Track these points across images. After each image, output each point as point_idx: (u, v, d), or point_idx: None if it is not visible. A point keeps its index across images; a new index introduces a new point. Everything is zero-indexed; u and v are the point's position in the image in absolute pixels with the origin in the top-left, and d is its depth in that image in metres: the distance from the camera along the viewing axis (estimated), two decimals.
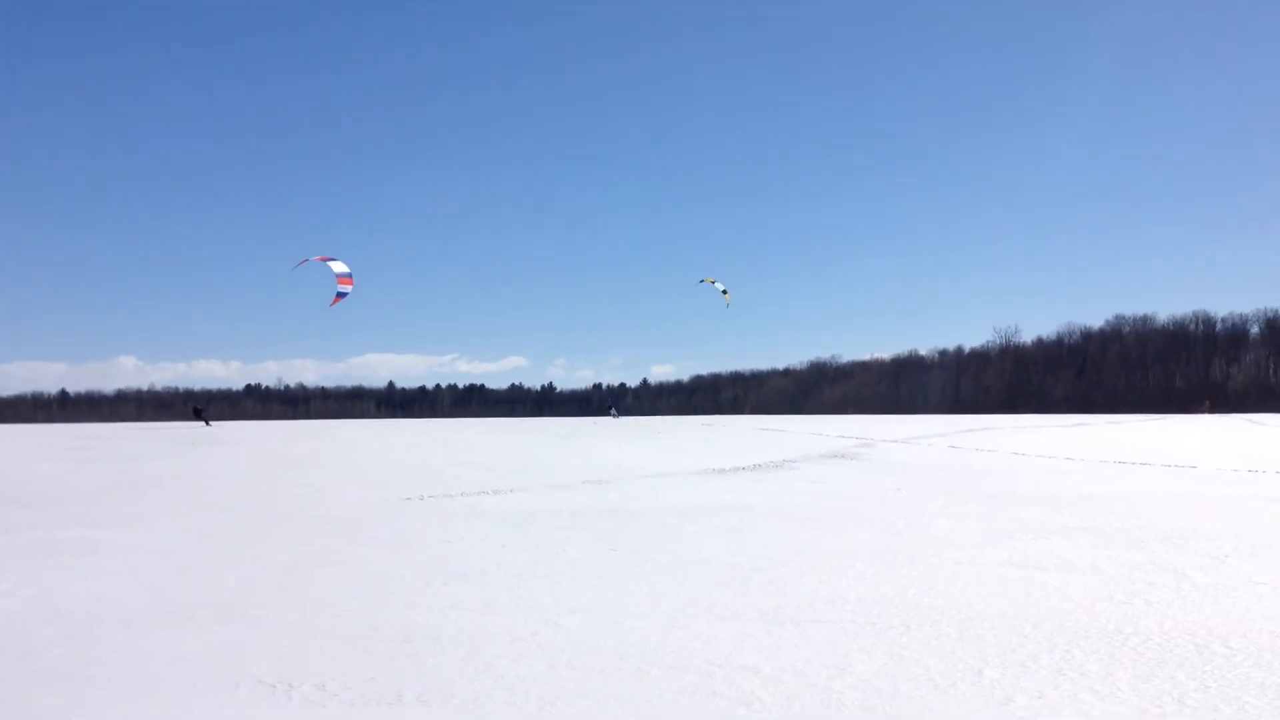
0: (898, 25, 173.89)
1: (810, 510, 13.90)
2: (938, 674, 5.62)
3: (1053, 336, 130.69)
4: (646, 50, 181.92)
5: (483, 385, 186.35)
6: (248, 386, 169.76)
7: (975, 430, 42.07)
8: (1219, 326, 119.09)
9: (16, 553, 10.32)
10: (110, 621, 7.10)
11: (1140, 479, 19.30)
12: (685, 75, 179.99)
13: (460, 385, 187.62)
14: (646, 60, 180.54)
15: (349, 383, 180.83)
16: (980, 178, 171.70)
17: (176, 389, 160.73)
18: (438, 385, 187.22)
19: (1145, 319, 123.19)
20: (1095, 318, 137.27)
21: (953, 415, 77.50)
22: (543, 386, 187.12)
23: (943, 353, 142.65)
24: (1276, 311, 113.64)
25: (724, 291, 43.82)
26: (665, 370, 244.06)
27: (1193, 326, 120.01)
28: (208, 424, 54.35)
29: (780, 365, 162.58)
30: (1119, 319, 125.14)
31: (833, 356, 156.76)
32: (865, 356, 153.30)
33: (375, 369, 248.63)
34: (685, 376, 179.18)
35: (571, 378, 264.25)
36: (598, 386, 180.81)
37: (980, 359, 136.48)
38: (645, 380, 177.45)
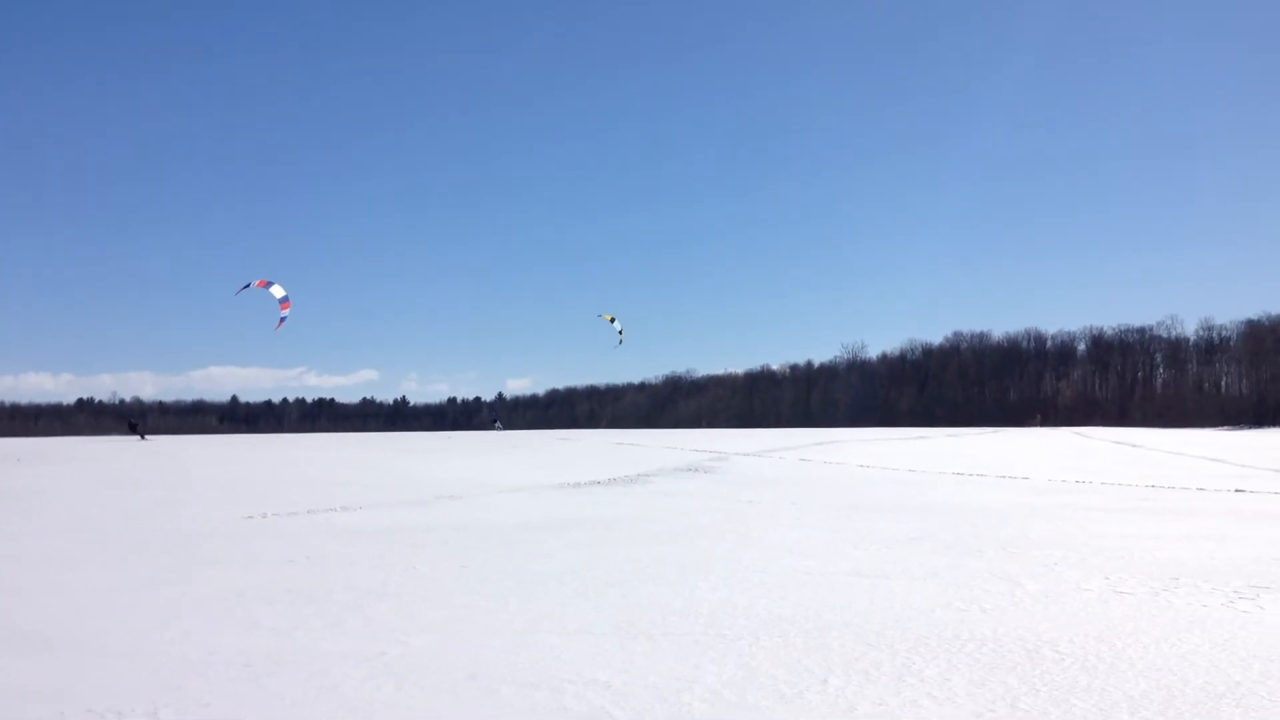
0: (730, 29, 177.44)
1: (665, 523, 14.03)
2: (785, 684, 5.74)
3: (896, 353, 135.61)
4: (471, 61, 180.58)
5: (333, 399, 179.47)
6: (79, 401, 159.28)
7: (824, 444, 43.27)
8: (1049, 344, 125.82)
9: None
10: None
11: (977, 490, 20.25)
12: (518, 85, 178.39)
13: (309, 399, 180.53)
14: (472, 69, 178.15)
15: (189, 396, 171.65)
16: (830, 199, 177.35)
17: (2, 403, 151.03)
18: (285, 399, 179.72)
19: (981, 336, 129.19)
20: (936, 335, 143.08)
21: (803, 429, 79.50)
22: (396, 400, 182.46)
23: (793, 367, 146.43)
24: (1101, 330, 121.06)
25: (620, 331, 45.97)
26: (521, 384, 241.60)
27: (1025, 343, 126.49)
28: (143, 438, 52.14)
29: (636, 380, 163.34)
30: (958, 335, 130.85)
31: (688, 371, 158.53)
32: (719, 371, 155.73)
33: (218, 382, 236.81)
34: (541, 390, 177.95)
35: (426, 391, 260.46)
36: (452, 400, 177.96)
37: (829, 374, 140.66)
38: (501, 394, 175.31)
